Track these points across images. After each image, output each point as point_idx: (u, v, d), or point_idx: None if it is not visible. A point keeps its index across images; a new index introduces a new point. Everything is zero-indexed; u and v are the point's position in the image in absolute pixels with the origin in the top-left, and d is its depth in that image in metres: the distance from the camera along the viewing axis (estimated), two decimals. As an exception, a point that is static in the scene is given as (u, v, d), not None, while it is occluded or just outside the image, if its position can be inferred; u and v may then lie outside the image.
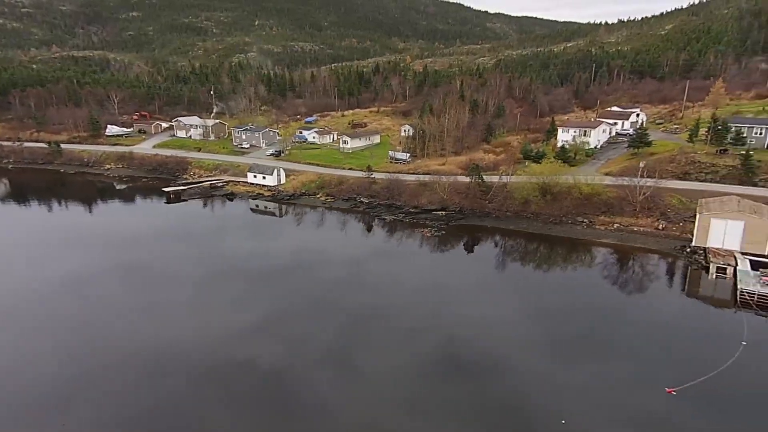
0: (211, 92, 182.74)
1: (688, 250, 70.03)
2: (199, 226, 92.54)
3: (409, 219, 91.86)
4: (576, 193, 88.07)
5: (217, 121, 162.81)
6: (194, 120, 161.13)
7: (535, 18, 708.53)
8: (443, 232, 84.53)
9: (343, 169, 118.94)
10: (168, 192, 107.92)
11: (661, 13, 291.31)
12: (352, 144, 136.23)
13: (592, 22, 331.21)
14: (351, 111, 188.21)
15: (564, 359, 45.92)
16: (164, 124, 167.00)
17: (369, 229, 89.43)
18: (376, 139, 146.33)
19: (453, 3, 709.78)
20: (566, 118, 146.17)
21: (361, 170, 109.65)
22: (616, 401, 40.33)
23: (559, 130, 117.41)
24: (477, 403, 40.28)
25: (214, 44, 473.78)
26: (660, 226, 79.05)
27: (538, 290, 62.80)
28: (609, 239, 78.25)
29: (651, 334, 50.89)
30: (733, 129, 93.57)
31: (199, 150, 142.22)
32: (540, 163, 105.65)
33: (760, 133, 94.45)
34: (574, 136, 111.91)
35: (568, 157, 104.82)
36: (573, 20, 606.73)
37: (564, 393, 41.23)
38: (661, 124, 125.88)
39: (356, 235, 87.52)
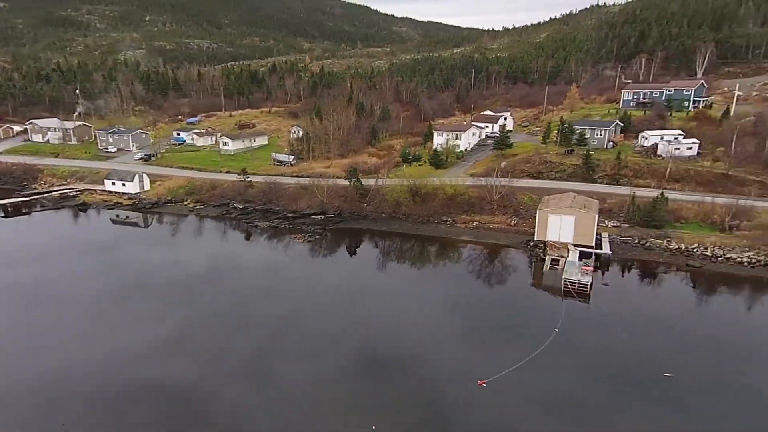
0: (77, 91, 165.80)
1: (531, 244, 76.07)
2: (47, 241, 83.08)
3: (286, 224, 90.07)
4: (442, 194, 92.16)
5: (81, 123, 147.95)
6: (52, 122, 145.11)
7: (440, 23, 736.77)
8: (319, 236, 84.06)
9: (220, 172, 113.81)
10: (5, 204, 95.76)
11: (539, 22, 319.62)
12: (233, 146, 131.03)
13: (491, 28, 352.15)
14: (240, 111, 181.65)
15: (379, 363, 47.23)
16: (17, 128, 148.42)
17: (242, 236, 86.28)
18: (263, 140, 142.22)
19: (360, 6, 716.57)
20: (447, 121, 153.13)
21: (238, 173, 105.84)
22: (428, 397, 42.09)
23: (435, 134, 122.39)
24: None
25: (97, 40, 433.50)
26: (512, 223, 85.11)
27: (407, 287, 64.94)
28: (467, 236, 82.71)
29: (477, 325, 54.31)
30: (577, 131, 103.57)
31: (57, 156, 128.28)
32: (420, 165, 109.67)
33: (600, 135, 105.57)
34: (447, 139, 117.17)
35: (440, 159, 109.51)
36: (475, 26, 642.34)
37: (380, 398, 42.34)
38: (527, 126, 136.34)
39: (226, 244, 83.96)
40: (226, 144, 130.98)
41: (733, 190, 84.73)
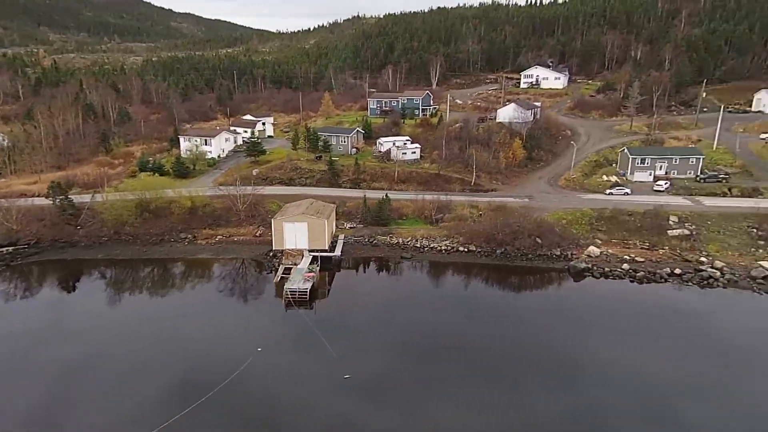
0: None
1: (271, 254, 75.33)
2: None
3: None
4: (179, 208, 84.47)
5: None
6: None
7: (228, 22, 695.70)
8: (-1, 276, 66.86)
9: None
10: None
11: (308, 29, 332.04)
12: None
13: (264, 30, 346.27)
14: None
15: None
16: None
17: None
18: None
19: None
20: (207, 125, 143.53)
21: None
22: None
23: (181, 139, 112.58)
24: None
25: None
26: (258, 233, 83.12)
27: (104, 323, 55.51)
28: (207, 254, 77.33)
29: (193, 348, 50.25)
30: (321, 138, 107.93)
31: None
32: (154, 175, 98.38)
33: (344, 141, 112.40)
34: (195, 145, 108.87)
35: (185, 168, 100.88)
36: (266, 28, 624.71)
37: None
38: (287, 132, 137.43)
39: None
40: None
41: (443, 188, 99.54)
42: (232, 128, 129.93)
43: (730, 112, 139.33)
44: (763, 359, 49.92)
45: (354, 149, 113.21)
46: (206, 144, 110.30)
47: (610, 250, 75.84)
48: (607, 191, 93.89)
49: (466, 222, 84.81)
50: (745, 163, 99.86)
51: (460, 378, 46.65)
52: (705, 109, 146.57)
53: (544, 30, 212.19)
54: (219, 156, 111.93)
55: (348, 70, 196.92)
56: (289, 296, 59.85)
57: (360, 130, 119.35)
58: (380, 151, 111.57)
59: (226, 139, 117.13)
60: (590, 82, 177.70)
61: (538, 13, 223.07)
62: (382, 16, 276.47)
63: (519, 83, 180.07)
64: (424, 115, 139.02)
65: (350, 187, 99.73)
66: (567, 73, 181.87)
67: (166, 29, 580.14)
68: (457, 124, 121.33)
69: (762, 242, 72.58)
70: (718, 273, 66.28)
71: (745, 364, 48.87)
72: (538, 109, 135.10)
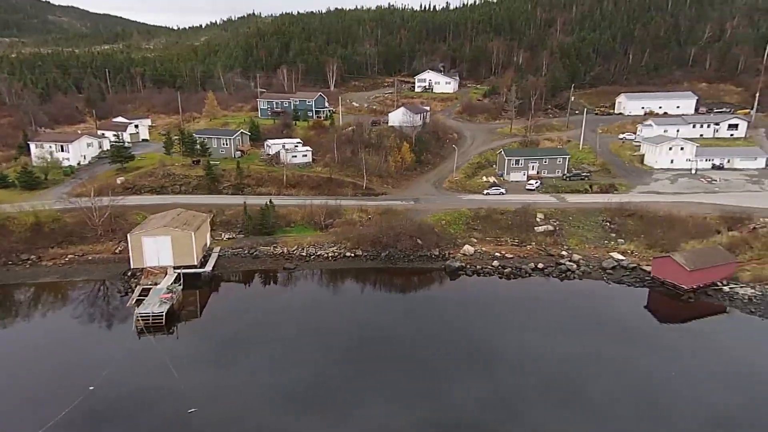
0: None
1: (129, 273, 67.90)
2: None
3: None
4: (18, 225, 73.46)
5: None
6: None
7: (119, 17, 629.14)
8: None
9: None
10: None
11: (200, 25, 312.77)
12: None
13: (148, 25, 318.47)
14: None
15: None
16: None
17: None
18: None
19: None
20: (71, 129, 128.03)
21: None
22: None
23: (32, 146, 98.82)
24: None
25: None
26: (118, 250, 74.62)
27: None
28: (52, 276, 67.77)
29: (20, 387, 43.07)
30: (198, 141, 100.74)
31: None
32: (3, 187, 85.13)
33: (227, 144, 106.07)
34: (49, 152, 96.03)
35: (33, 178, 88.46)
36: (163, 24, 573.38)
37: None
38: (165, 135, 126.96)
39: None
40: None
41: (336, 192, 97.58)
42: (100, 132, 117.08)
43: (596, 114, 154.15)
44: (617, 333, 56.03)
45: (239, 152, 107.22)
46: (62, 150, 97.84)
47: (483, 248, 78.86)
48: (485, 192, 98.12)
49: (355, 226, 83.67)
50: (605, 162, 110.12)
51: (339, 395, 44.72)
52: (576, 112, 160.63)
53: (437, 35, 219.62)
54: (79, 163, 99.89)
55: (239, 70, 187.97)
56: (141, 321, 53.75)
57: (245, 132, 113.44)
58: (268, 154, 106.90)
59: (89, 145, 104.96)
60: (478, 86, 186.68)
61: (431, 18, 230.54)
62: (278, 15, 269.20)
63: (414, 87, 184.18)
64: (318, 117, 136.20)
65: (232, 194, 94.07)
66: (457, 77, 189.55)
67: (42, 23, 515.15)
68: (350, 128, 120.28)
69: (613, 234, 79.84)
70: (575, 266, 71.57)
71: (606, 338, 55.03)
72: (427, 113, 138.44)
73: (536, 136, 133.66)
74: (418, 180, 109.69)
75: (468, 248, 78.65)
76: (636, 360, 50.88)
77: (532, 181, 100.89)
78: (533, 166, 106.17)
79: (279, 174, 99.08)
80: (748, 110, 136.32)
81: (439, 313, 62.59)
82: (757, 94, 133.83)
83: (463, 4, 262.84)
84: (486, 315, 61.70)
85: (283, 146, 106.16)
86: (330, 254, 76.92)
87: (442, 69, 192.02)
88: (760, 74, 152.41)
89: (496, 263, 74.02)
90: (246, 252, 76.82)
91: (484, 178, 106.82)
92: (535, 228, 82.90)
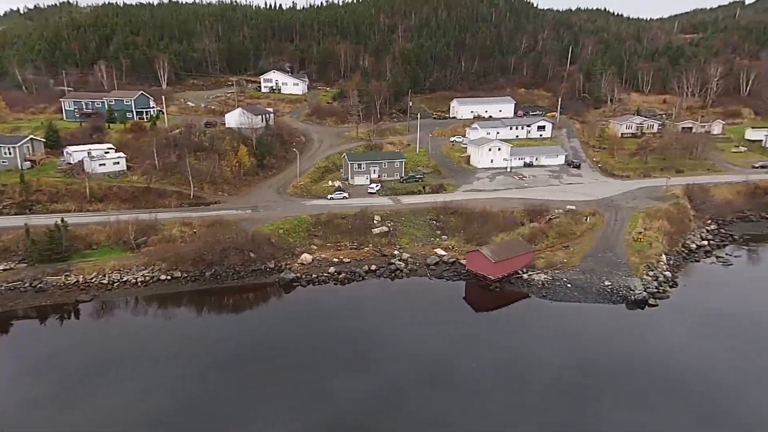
0: None
1: None
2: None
3: None
4: None
5: None
6: None
7: None
8: None
9: None
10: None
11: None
12: None
13: None
14: None
15: None
16: None
17: None
18: None
19: None
20: None
21: None
22: None
23: None
24: None
25: None
26: None
27: None
28: None
29: None
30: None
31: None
32: None
33: (9, 153, 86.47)
34: None
35: None
36: None
37: None
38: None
39: None
40: None
41: (156, 203, 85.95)
42: None
43: (434, 118, 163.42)
44: (438, 325, 57.88)
45: (27, 163, 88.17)
46: None
47: (323, 255, 76.08)
48: (329, 196, 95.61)
49: (175, 243, 73.71)
50: (437, 164, 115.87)
51: None
52: (418, 116, 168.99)
53: (283, 35, 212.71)
54: None
55: (42, 64, 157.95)
56: None
57: (37, 138, 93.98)
58: (69, 163, 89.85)
59: None
60: (328, 89, 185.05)
61: (277, 18, 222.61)
62: (100, 5, 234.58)
63: (260, 87, 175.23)
64: (140, 118, 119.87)
65: (15, 214, 76.66)
66: (306, 79, 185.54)
67: None
68: (177, 130, 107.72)
69: (438, 231, 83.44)
70: (403, 264, 72.83)
71: (430, 331, 57.30)
72: (270, 114, 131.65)
73: (381, 140, 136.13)
74: (260, 186, 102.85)
75: (306, 257, 74.94)
76: (450, 349, 53.28)
77: (373, 185, 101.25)
78: (375, 170, 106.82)
79: (81, 186, 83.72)
80: (554, 113, 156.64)
81: (271, 330, 58.05)
82: (559, 99, 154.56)
83: (310, 5, 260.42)
84: (318, 324, 59.22)
85: (89, 153, 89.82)
86: (139, 279, 66.50)
87: (289, 70, 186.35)
88: (564, 80, 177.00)
89: (332, 269, 71.65)
90: (27, 285, 62.73)
91: (330, 183, 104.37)
92: (373, 230, 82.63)
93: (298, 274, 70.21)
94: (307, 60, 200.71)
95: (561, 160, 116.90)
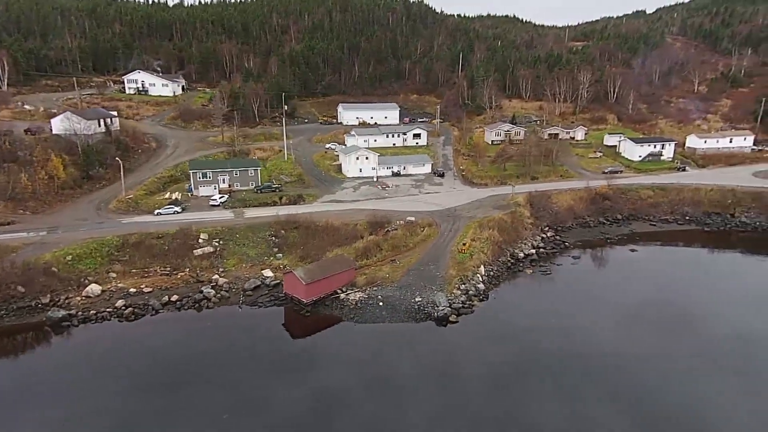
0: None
1: None
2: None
3: None
4: None
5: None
6: None
7: None
8: None
9: None
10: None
11: None
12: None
13: None
14: None
15: None
16: None
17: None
18: None
19: None
20: None
21: None
22: None
23: None
24: None
25: None
26: None
27: None
28: None
29: None
30: None
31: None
32: None
33: None
34: None
35: None
36: None
37: None
38: None
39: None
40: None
41: None
42: None
43: (321, 123, 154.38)
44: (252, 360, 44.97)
45: None
46: None
47: (121, 284, 63.75)
48: (156, 212, 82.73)
49: None
50: (302, 172, 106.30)
51: None
52: (306, 121, 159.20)
53: (161, 33, 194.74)
54: None
55: None
56: None
57: None
58: None
59: None
60: (207, 90, 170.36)
61: (155, 14, 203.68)
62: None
63: (124, 88, 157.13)
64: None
65: None
66: (182, 79, 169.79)
67: None
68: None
69: (275, 249, 73.63)
70: (213, 292, 62.08)
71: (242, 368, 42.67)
72: (113, 117, 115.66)
73: (250, 145, 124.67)
74: (79, 201, 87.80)
75: (94, 288, 62.04)
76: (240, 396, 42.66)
77: (217, 197, 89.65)
78: (224, 179, 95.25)
79: None
80: (439, 119, 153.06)
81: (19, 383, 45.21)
82: (438, 106, 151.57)
83: (199, 2, 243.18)
84: (78, 377, 47.30)
85: None
86: None
87: (158, 69, 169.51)
88: (453, 87, 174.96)
89: (120, 303, 59.31)
90: None
91: (169, 195, 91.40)
92: (195, 251, 71.13)
93: (73, 311, 57.27)
94: (186, 59, 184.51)
95: (428, 168, 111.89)
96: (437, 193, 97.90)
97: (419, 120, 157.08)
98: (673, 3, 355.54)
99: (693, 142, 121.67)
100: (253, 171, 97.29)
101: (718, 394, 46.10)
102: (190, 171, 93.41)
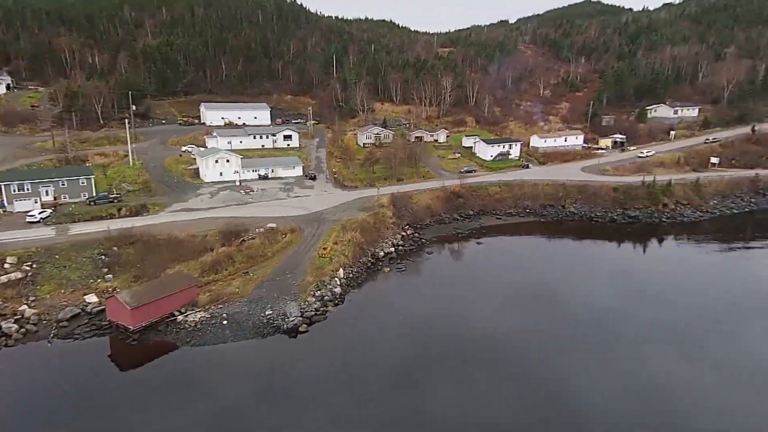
0: None
1: None
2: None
3: None
4: None
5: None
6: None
7: None
8: None
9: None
10: None
11: None
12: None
13: None
14: None
15: None
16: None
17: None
18: None
19: None
20: None
21: None
22: None
23: None
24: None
25: None
26: None
27: None
28: None
29: None
30: None
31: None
32: None
33: None
34: None
35: None
36: None
37: None
38: None
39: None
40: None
41: None
42: None
43: (180, 124, 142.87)
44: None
45: None
46: None
47: None
48: (-52, 234, 68.79)
49: None
50: (150, 179, 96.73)
51: None
52: (163, 122, 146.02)
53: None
54: None
55: None
56: None
57: None
58: None
59: None
60: (41, 89, 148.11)
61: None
62: None
63: None
64: None
65: None
66: (7, 76, 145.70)
67: None
68: None
69: (105, 269, 65.22)
70: (15, 327, 52.87)
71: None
72: None
73: (88, 150, 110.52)
74: None
75: None
76: None
77: (36, 212, 77.30)
78: (48, 191, 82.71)
79: None
80: (314, 121, 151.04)
81: None
82: (311, 108, 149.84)
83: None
84: None
85: None
86: None
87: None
88: (327, 89, 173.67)
89: None
90: None
91: (-30, 214, 76.67)
92: (-4, 279, 60.15)
93: None
94: (13, 54, 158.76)
95: (298, 171, 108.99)
96: (307, 196, 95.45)
97: (294, 121, 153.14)
98: (530, 14, 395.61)
99: (535, 141, 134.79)
100: (84, 180, 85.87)
101: (578, 363, 50.94)
102: (2, 183, 79.40)
